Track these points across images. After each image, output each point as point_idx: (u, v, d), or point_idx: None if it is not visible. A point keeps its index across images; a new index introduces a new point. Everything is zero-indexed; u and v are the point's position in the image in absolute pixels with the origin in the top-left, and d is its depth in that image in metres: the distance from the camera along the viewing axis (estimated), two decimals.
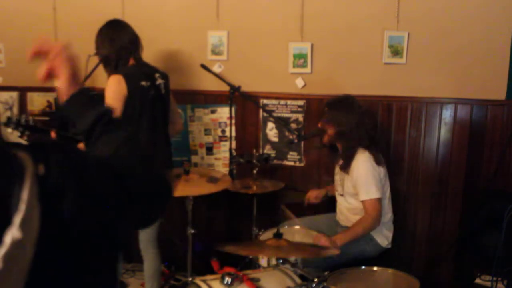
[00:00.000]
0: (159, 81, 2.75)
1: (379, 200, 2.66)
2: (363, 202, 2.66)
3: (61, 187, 0.72)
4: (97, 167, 0.84)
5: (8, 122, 2.51)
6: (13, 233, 0.62)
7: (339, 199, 2.90)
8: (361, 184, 2.65)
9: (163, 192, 1.03)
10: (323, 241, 2.50)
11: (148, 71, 2.74)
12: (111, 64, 2.67)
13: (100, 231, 0.78)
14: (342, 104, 2.76)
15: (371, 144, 2.72)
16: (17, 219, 0.63)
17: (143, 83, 2.64)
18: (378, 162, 2.70)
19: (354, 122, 2.70)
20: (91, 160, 0.86)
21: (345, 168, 2.75)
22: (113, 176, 0.86)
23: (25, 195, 0.65)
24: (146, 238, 2.90)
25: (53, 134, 2.63)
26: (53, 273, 0.71)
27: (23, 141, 3.42)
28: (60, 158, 0.75)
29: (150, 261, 2.92)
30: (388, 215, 2.79)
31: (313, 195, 3.08)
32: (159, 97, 2.74)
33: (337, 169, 2.92)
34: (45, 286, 0.71)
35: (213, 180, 2.75)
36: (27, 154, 0.70)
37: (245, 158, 3.18)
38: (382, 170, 2.73)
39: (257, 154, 3.18)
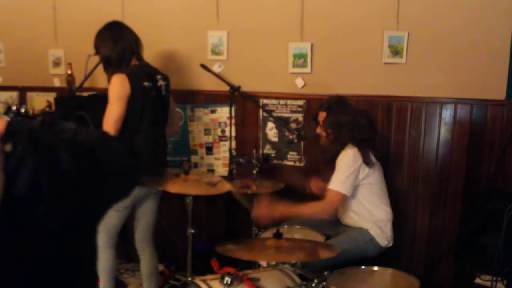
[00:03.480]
0: (161, 83, 2.75)
1: (343, 196, 2.65)
2: (328, 189, 2.65)
3: (20, 163, 0.86)
4: (67, 148, 0.97)
5: (8, 111, 2.50)
6: None
7: None
8: (337, 173, 2.65)
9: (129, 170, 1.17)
10: (262, 213, 2.50)
11: (150, 71, 2.74)
12: (113, 64, 2.65)
13: (62, 204, 0.90)
14: (338, 106, 2.78)
15: (364, 143, 2.71)
16: None
17: (146, 83, 2.64)
18: (366, 162, 2.67)
19: (349, 122, 2.72)
20: (57, 141, 1.00)
21: (332, 162, 2.73)
22: (81, 155, 1.00)
23: None
24: (141, 237, 2.91)
25: None
26: (18, 239, 0.85)
27: None
28: (25, 139, 0.89)
29: (146, 261, 2.93)
30: (387, 214, 2.79)
31: (315, 186, 2.96)
32: (160, 98, 2.74)
33: None
34: (15, 246, 0.85)
35: (211, 184, 2.75)
36: None
37: (245, 158, 3.18)
38: (366, 170, 2.68)
39: (257, 154, 3.17)
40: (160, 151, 2.82)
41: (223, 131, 3.54)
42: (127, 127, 2.58)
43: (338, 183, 2.64)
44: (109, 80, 2.63)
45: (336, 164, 2.70)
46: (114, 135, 2.52)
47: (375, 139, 3.03)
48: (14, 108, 2.46)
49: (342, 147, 2.72)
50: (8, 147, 0.85)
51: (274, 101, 3.39)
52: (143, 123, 2.64)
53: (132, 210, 2.82)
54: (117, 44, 2.64)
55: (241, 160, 3.20)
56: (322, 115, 2.82)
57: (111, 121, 2.53)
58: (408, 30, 3.01)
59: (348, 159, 2.66)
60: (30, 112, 2.53)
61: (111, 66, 2.66)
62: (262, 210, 2.50)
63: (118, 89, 2.55)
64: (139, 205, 2.84)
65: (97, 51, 2.72)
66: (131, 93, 2.56)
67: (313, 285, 2.00)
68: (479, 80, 2.96)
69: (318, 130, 2.86)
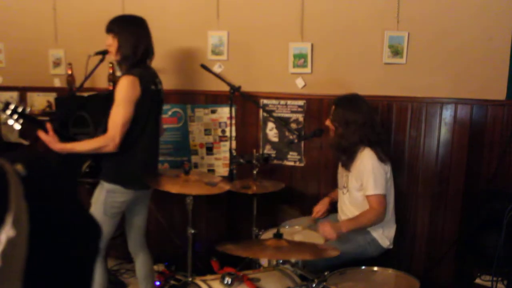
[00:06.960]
0: (159, 86, 2.72)
1: (385, 196, 2.67)
2: (368, 197, 2.66)
3: (44, 186, 0.77)
4: (61, 166, 0.94)
5: (5, 108, 2.46)
6: (7, 232, 0.64)
7: (342, 198, 2.89)
8: (367, 179, 2.65)
9: None
10: (328, 230, 2.53)
11: (153, 75, 2.69)
12: (128, 62, 2.57)
13: (78, 222, 0.86)
14: (348, 103, 2.76)
15: (376, 143, 2.71)
16: (9, 218, 0.65)
17: (153, 87, 2.61)
18: (381, 160, 2.69)
19: (359, 121, 2.70)
20: (56, 160, 0.95)
21: (348, 165, 2.75)
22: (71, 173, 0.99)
23: (12, 195, 0.67)
24: (134, 242, 2.86)
25: (48, 126, 2.47)
26: (45, 270, 0.76)
27: (22, 140, 3.41)
28: (37, 159, 0.81)
29: (141, 264, 2.88)
30: (390, 215, 2.78)
31: (320, 211, 3.00)
32: (160, 102, 2.74)
33: (340, 169, 2.92)
34: (40, 282, 0.75)
35: (211, 184, 2.75)
36: (1, 157, 0.74)
37: (245, 158, 3.18)
38: (387, 168, 2.73)
39: (257, 154, 3.17)
40: (157, 155, 2.80)
41: (223, 131, 3.54)
42: (130, 131, 2.52)
43: (374, 186, 2.64)
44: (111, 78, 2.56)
45: (359, 169, 2.69)
46: (119, 138, 2.46)
47: (386, 142, 2.99)
48: (12, 106, 2.45)
49: (351, 147, 2.71)
50: (21, 169, 0.72)
51: (274, 101, 3.39)
52: (148, 126, 2.60)
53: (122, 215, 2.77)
54: (139, 43, 2.58)
55: (241, 160, 3.19)
56: (332, 108, 2.83)
57: (119, 124, 2.45)
58: (408, 30, 3.01)
59: (371, 161, 2.66)
60: (27, 110, 2.51)
61: (126, 63, 2.58)
62: (328, 229, 2.56)
63: (128, 91, 2.47)
64: (129, 210, 2.77)
65: (118, 43, 2.61)
66: (141, 97, 2.50)
67: (313, 285, 2.00)
68: (479, 80, 2.96)
69: (327, 122, 2.86)
